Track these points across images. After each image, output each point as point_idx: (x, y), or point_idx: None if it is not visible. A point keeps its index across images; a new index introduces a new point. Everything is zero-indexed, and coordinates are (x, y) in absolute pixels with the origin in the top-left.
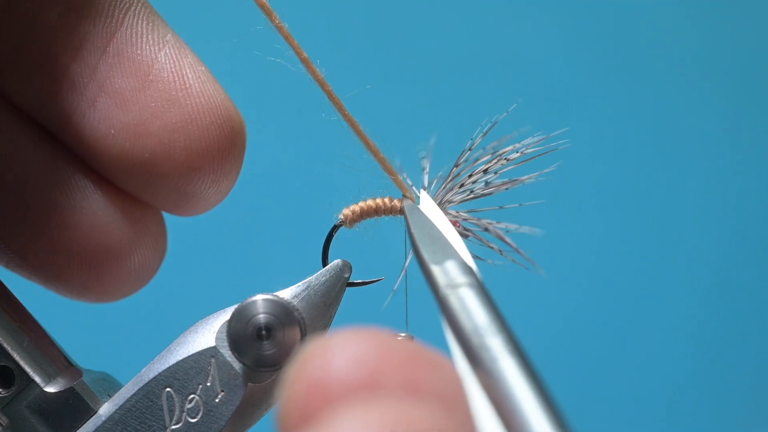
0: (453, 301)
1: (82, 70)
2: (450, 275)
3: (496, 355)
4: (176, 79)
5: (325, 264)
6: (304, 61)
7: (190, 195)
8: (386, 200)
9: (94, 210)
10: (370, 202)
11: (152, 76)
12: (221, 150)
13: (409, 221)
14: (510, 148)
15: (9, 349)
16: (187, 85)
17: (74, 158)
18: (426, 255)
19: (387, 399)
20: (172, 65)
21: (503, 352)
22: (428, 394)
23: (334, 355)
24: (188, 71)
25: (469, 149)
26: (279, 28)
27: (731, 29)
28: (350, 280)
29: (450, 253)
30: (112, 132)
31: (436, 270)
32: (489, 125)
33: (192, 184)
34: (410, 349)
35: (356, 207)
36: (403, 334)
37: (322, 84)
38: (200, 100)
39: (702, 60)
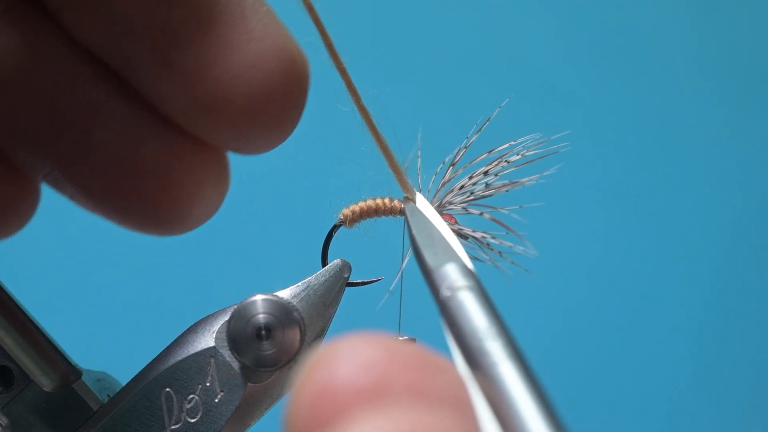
0: (453, 304)
1: (139, 11)
2: (450, 278)
3: (496, 360)
4: (237, 22)
5: (324, 264)
6: (328, 46)
7: (252, 138)
8: (386, 201)
9: (156, 150)
10: (370, 202)
11: (212, 19)
12: (284, 96)
13: (410, 223)
14: (507, 145)
15: (9, 349)
16: (249, 29)
17: (137, 98)
18: (426, 257)
19: (398, 405)
20: (234, 7)
21: (503, 356)
22: (437, 398)
23: (340, 360)
24: (250, 13)
25: (465, 147)
26: (309, 9)
27: (732, 30)
28: (350, 280)
29: (451, 255)
30: (171, 76)
31: (436, 272)
32: (483, 122)
33: (254, 129)
34: (417, 353)
35: (356, 207)
36: (403, 337)
37: (343, 73)
38: (262, 45)
39: (702, 61)
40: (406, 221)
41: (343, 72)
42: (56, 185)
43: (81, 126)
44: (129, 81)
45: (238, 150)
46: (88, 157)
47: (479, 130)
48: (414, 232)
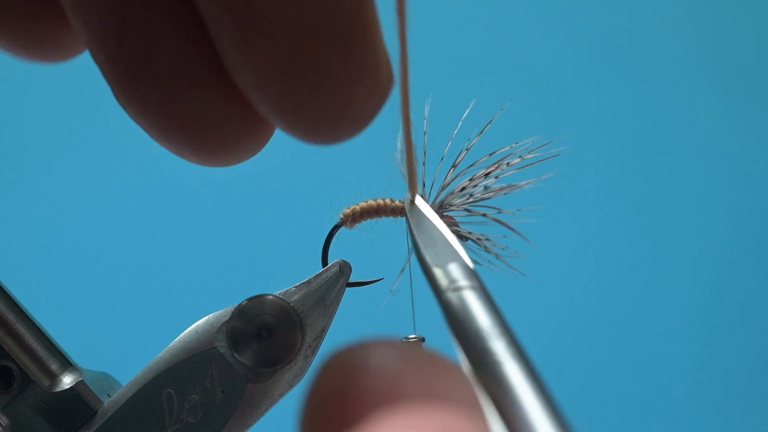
0: (455, 304)
1: None
2: (452, 277)
3: (500, 359)
4: (339, 41)
5: (324, 264)
6: (401, 31)
7: (305, 138)
8: (387, 201)
9: (204, 100)
10: (371, 202)
11: (315, 29)
12: (355, 121)
13: (411, 223)
14: (508, 147)
15: (9, 349)
16: (350, 53)
17: (207, 48)
18: (428, 257)
19: (415, 408)
20: (342, 24)
21: (506, 356)
22: (452, 401)
23: (356, 364)
24: (357, 36)
25: (467, 149)
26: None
27: (735, 32)
28: (350, 281)
29: (452, 255)
30: (249, 59)
31: (438, 272)
32: (485, 124)
33: (311, 135)
34: (430, 357)
35: (357, 207)
36: (413, 336)
37: (403, 61)
38: (356, 73)
39: (702, 62)
40: (407, 222)
41: (404, 64)
42: (99, 68)
43: (135, 38)
44: (207, 34)
45: (285, 132)
46: (132, 70)
47: (480, 133)
48: (415, 232)
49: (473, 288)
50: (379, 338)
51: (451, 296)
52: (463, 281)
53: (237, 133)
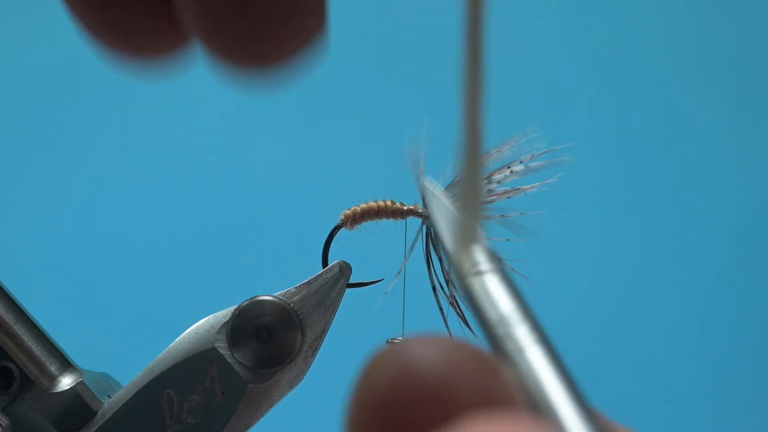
0: (477, 288)
1: None
2: (474, 261)
3: (523, 345)
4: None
5: (325, 265)
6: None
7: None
8: (389, 203)
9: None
10: (372, 204)
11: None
12: (280, 56)
13: (431, 206)
14: (512, 151)
15: (9, 349)
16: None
17: None
18: (449, 240)
19: (468, 409)
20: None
21: (529, 341)
22: (501, 401)
23: (407, 361)
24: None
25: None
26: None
27: (735, 33)
28: (350, 281)
29: (474, 238)
30: None
31: (460, 256)
32: (501, 142)
33: (232, 66)
34: (477, 354)
35: (357, 208)
36: (398, 339)
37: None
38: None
39: (704, 63)
40: (426, 205)
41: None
42: None
43: None
44: None
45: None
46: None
47: (497, 150)
48: (435, 215)
49: (494, 271)
50: (424, 335)
51: (473, 281)
52: (485, 265)
53: (155, 42)
